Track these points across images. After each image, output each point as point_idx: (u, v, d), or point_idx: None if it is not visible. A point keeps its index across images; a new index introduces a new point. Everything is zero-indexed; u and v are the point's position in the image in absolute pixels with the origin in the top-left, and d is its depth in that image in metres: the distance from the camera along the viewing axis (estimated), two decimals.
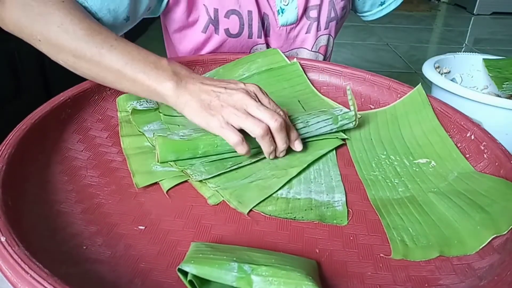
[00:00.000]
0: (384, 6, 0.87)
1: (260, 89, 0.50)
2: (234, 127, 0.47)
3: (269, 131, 0.47)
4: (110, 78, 0.52)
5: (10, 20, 0.55)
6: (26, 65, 1.71)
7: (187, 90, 0.48)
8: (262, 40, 0.75)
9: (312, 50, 0.80)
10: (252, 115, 0.47)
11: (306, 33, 0.78)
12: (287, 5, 0.73)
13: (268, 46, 0.77)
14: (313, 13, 0.76)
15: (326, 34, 0.80)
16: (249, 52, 0.77)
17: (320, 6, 0.76)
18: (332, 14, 0.78)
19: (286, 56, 0.71)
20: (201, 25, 0.72)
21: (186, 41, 0.77)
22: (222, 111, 0.47)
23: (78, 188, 0.44)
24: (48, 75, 1.89)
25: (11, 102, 1.61)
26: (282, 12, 0.74)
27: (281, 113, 0.49)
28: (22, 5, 0.53)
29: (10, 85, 1.63)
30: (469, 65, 1.03)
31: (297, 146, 0.51)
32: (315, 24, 0.77)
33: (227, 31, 0.72)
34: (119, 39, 0.51)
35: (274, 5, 0.73)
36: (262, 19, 0.73)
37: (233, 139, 0.46)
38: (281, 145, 0.49)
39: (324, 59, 0.85)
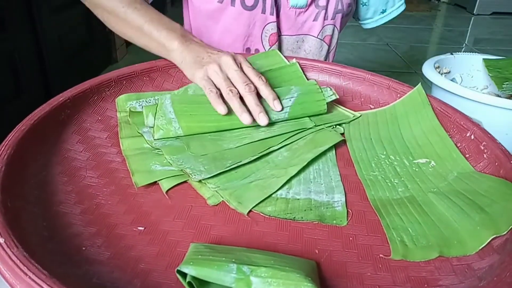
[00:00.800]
0: (385, 14, 0.91)
1: (246, 60, 0.59)
2: (213, 83, 0.55)
3: (235, 94, 0.54)
4: (132, 33, 0.64)
5: None
6: (26, 65, 1.71)
7: (188, 48, 0.59)
8: (273, 18, 0.79)
9: (318, 37, 0.84)
10: (229, 78, 0.56)
11: (313, 20, 0.82)
12: None
13: (278, 26, 0.81)
14: (321, 2, 0.81)
15: (331, 25, 0.84)
16: (261, 33, 0.81)
17: None
18: (339, 7, 0.82)
19: (285, 57, 0.71)
20: None
21: (202, 11, 0.82)
22: (208, 66, 0.56)
23: (77, 188, 0.44)
24: (48, 75, 1.89)
25: (11, 102, 1.61)
26: None
27: (256, 79, 0.56)
28: None
29: (10, 85, 1.64)
30: (469, 65, 1.03)
31: (276, 105, 0.56)
32: (322, 12, 0.81)
33: (243, 3, 0.78)
34: (143, 3, 0.64)
35: None
36: None
37: (209, 91, 0.54)
38: (252, 106, 0.54)
39: (328, 50, 0.88)
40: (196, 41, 0.61)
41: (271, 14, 0.79)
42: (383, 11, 0.91)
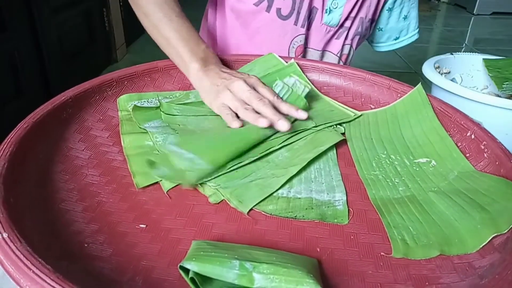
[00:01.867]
0: (398, 40, 0.95)
1: (259, 80, 0.59)
2: (230, 108, 0.56)
3: (249, 109, 0.55)
4: (161, 42, 0.66)
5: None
6: (26, 65, 1.71)
7: (206, 74, 0.60)
8: (303, 30, 0.81)
9: (337, 54, 0.87)
10: (243, 100, 0.56)
11: (336, 38, 0.85)
12: (335, 8, 0.80)
13: (306, 39, 0.83)
14: (347, 23, 0.83)
15: (348, 45, 0.87)
16: (289, 44, 0.83)
17: (354, 19, 0.83)
18: (359, 30, 0.85)
19: (282, 58, 0.71)
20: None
21: (234, 12, 0.83)
22: (222, 95, 0.57)
23: (79, 186, 0.45)
24: (48, 75, 1.89)
25: (11, 102, 1.61)
26: (329, 12, 0.80)
27: (272, 97, 0.57)
28: None
29: (10, 85, 1.64)
30: (469, 65, 1.03)
31: (301, 114, 0.56)
32: (345, 33, 0.84)
33: (278, 11, 0.79)
34: (179, 16, 0.65)
35: (326, 3, 0.80)
36: (310, 11, 0.80)
37: (225, 114, 0.55)
38: (270, 115, 0.54)
39: None
40: (214, 65, 0.61)
41: (302, 26, 0.81)
42: (396, 38, 0.95)
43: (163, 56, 0.67)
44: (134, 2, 0.69)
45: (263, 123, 0.52)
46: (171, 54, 0.65)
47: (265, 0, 0.78)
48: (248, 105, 0.55)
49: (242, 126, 0.54)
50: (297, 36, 0.82)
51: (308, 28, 0.82)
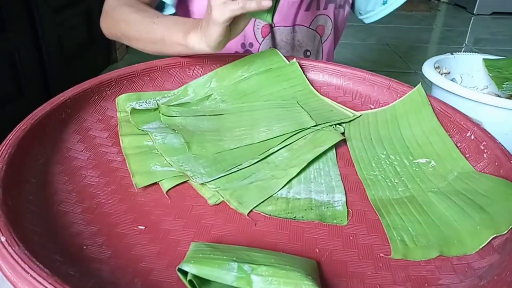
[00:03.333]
0: (387, 5, 0.87)
1: None
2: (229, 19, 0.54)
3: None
4: (161, 47, 0.65)
5: (104, 29, 0.75)
6: (26, 65, 1.71)
7: (197, 33, 0.59)
8: None
9: (310, 27, 0.84)
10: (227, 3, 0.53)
11: (305, 10, 0.82)
12: None
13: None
14: None
15: (324, 15, 0.83)
16: (253, 26, 0.81)
17: None
18: None
19: (284, 56, 0.71)
20: None
21: (190, 10, 0.82)
22: (212, 18, 0.54)
23: (78, 188, 0.44)
24: (48, 75, 1.89)
25: (11, 102, 1.61)
26: None
27: None
28: (104, 16, 0.73)
29: (10, 85, 1.64)
30: (469, 65, 1.03)
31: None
32: (314, 2, 0.81)
33: None
34: (159, 17, 0.66)
35: None
36: None
37: (238, 9, 0.53)
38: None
39: (321, 40, 0.87)
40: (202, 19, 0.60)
41: None
42: (385, 2, 0.88)
43: (162, 56, 0.67)
44: (127, 38, 0.69)
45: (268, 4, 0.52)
46: (174, 49, 0.64)
47: None
48: None
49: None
50: None
51: None
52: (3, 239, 0.31)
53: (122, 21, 0.68)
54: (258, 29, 0.81)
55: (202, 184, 0.46)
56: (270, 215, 0.43)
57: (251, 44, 0.83)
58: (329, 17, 0.84)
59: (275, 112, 0.61)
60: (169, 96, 0.63)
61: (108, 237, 0.39)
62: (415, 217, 0.43)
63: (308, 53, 0.87)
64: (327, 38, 0.89)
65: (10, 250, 0.30)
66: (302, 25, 0.84)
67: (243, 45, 0.83)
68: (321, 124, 0.58)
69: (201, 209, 0.43)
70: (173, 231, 0.40)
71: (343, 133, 0.58)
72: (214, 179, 0.47)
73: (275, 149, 0.53)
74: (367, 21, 0.94)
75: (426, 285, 0.36)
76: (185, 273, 0.32)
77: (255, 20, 0.80)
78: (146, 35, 0.65)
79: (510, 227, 0.39)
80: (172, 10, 0.78)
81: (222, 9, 0.54)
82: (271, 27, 0.82)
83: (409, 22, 3.64)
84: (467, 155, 0.52)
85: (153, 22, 0.65)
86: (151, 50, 0.68)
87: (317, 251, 0.39)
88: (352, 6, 0.93)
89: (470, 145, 0.53)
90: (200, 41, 0.58)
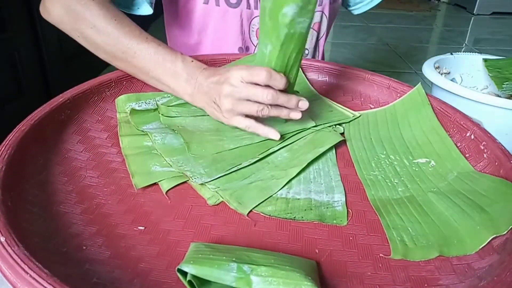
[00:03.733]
0: None
1: (245, 69, 0.51)
2: (239, 114, 0.52)
3: (275, 92, 0.51)
4: (141, 77, 0.61)
5: (54, 16, 0.61)
6: (26, 65, 1.71)
7: (200, 92, 0.55)
8: (258, 11, 0.78)
9: None
10: (243, 100, 0.51)
11: None
12: None
13: None
14: None
15: (319, 11, 0.82)
16: (249, 27, 0.80)
17: None
18: None
19: None
20: None
21: (189, 17, 0.79)
22: (222, 106, 0.52)
23: (77, 188, 0.44)
24: (48, 75, 1.89)
25: (11, 102, 1.61)
26: None
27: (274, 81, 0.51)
28: (62, 4, 0.59)
29: (10, 85, 1.64)
30: (469, 65, 1.03)
31: (302, 105, 0.53)
32: None
33: (227, 1, 0.76)
34: (141, 43, 0.57)
35: None
36: None
37: (243, 124, 0.53)
38: (287, 103, 0.52)
39: (318, 37, 0.86)
40: (200, 75, 0.56)
41: (256, 8, 0.78)
42: None
43: None
44: (91, 45, 0.60)
45: (276, 136, 0.53)
46: (157, 85, 0.60)
47: None
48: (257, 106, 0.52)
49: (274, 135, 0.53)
50: (254, 18, 0.79)
51: None
52: (2, 239, 0.31)
53: (89, 25, 0.58)
54: (253, 31, 0.81)
55: (201, 184, 0.46)
56: (269, 215, 0.43)
57: (247, 48, 0.83)
58: (324, 13, 0.84)
59: None
60: (169, 97, 0.63)
61: (108, 237, 0.39)
62: (415, 217, 0.43)
63: (306, 51, 0.87)
64: (323, 34, 0.88)
65: (10, 251, 0.30)
66: None
67: (240, 49, 0.83)
68: (321, 124, 0.58)
69: (200, 209, 0.43)
70: (173, 232, 0.40)
71: (342, 133, 0.58)
72: (213, 179, 0.47)
73: (275, 149, 0.53)
74: (355, 12, 0.94)
75: (425, 285, 0.36)
76: (184, 274, 0.32)
77: (250, 23, 0.79)
78: (121, 59, 0.59)
79: (510, 227, 0.39)
80: (149, 11, 0.71)
81: (234, 115, 0.53)
82: None
83: (409, 22, 3.64)
84: (467, 155, 0.52)
85: (133, 50, 0.57)
86: (122, 69, 0.62)
87: (317, 251, 0.39)
88: None
89: (470, 145, 0.53)
90: (196, 102, 0.57)
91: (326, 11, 0.83)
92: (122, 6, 0.68)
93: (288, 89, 0.54)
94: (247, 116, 0.53)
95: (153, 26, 2.52)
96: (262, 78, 0.50)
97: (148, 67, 0.58)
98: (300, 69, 0.69)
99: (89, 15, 0.58)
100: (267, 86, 0.51)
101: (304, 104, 0.53)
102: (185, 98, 0.58)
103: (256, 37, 0.81)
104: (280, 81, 0.50)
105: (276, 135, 0.53)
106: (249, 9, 0.78)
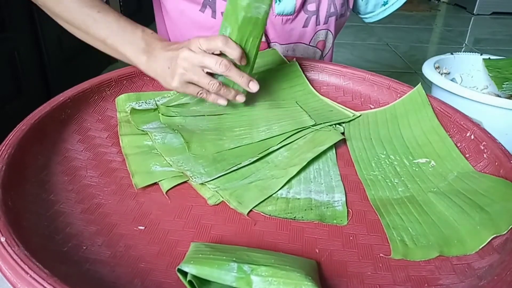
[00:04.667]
0: (387, 6, 0.86)
1: (201, 39, 0.53)
2: (191, 82, 0.54)
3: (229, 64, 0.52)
4: (98, 46, 0.61)
5: None
6: (26, 65, 1.71)
7: (155, 60, 0.56)
8: None
9: (310, 44, 0.80)
10: (196, 67, 0.53)
11: (303, 27, 0.77)
12: None
13: (266, 35, 0.76)
14: (311, 7, 0.76)
15: (324, 29, 0.79)
16: None
17: (319, 0, 0.76)
18: (332, 9, 0.77)
19: (284, 56, 0.71)
20: (198, 2, 0.72)
21: (183, 21, 0.77)
22: (175, 73, 0.54)
23: (78, 188, 0.44)
24: (48, 75, 1.89)
25: (11, 102, 1.61)
26: (280, 1, 0.73)
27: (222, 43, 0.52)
28: None
29: (10, 85, 1.64)
30: (469, 65, 1.03)
31: (252, 87, 0.55)
32: (313, 18, 0.77)
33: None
34: (102, 11, 0.58)
35: None
36: None
37: (194, 94, 0.55)
38: (239, 80, 0.54)
39: (322, 55, 0.84)
40: (159, 45, 0.57)
41: None
42: (385, 3, 0.86)
43: None
44: (52, 14, 0.61)
45: (224, 102, 0.55)
46: (114, 54, 0.60)
47: (208, 6, 0.72)
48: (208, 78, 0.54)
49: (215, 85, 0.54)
50: None
51: None
52: (2, 239, 0.31)
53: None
54: None
55: (201, 184, 0.46)
56: (270, 215, 0.43)
57: None
58: (329, 30, 0.81)
59: (275, 111, 0.61)
60: (169, 97, 0.63)
61: (108, 237, 0.39)
62: (415, 217, 0.43)
63: None
64: (328, 51, 0.86)
65: (10, 251, 0.30)
66: (301, 43, 0.80)
67: None
68: (321, 124, 0.58)
69: (200, 209, 0.43)
70: (173, 231, 0.40)
71: (343, 133, 0.58)
72: (213, 179, 0.47)
73: (275, 148, 0.53)
74: (366, 21, 0.92)
75: (426, 285, 0.36)
76: (184, 274, 0.32)
77: None
78: (79, 27, 0.59)
79: (510, 227, 0.39)
80: None
81: (185, 81, 0.54)
82: (268, 44, 0.78)
83: (409, 22, 3.64)
84: (467, 155, 0.52)
85: (93, 17, 0.58)
86: (83, 39, 0.62)
87: (317, 251, 0.39)
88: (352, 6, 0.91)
89: (470, 145, 0.53)
90: (149, 70, 0.57)
91: (332, 28, 0.81)
92: None
93: (246, 72, 0.56)
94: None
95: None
96: (218, 42, 0.52)
97: (106, 34, 0.58)
98: (300, 68, 0.69)
99: None
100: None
101: (254, 85, 0.55)
102: (140, 66, 0.58)
103: None
104: (235, 49, 0.52)
105: (223, 102, 0.56)
106: None
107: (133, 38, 0.57)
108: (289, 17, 0.75)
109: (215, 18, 0.73)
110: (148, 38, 0.57)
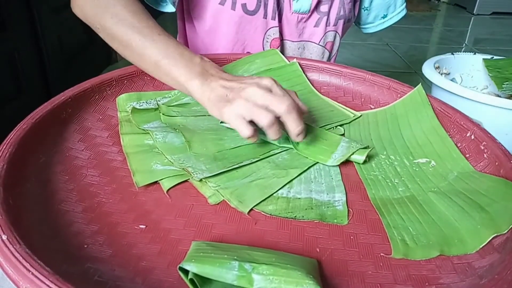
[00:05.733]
0: (386, 19, 0.90)
1: (275, 81, 0.51)
2: (245, 119, 0.48)
3: (275, 120, 0.48)
4: (149, 68, 0.58)
5: (78, 6, 0.62)
6: (26, 65, 1.71)
7: (210, 87, 0.51)
8: (275, 22, 0.77)
9: (320, 44, 0.83)
10: (260, 106, 0.48)
11: (314, 26, 0.80)
12: None
13: (280, 31, 0.79)
14: (324, 8, 0.79)
15: (333, 31, 0.82)
16: (263, 38, 0.79)
17: (331, 2, 0.79)
18: (341, 12, 0.80)
19: (285, 56, 0.71)
20: None
21: (202, 14, 0.79)
22: (234, 103, 0.48)
23: (78, 187, 0.44)
24: (48, 75, 1.89)
25: (11, 102, 1.61)
26: None
27: (291, 96, 0.50)
28: None
29: (10, 85, 1.64)
30: (469, 65, 1.03)
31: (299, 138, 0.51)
32: (324, 18, 0.80)
33: (244, 6, 0.75)
34: (162, 34, 0.57)
35: None
36: (278, 1, 0.76)
37: (244, 132, 0.48)
38: (294, 128, 0.49)
39: (329, 56, 0.87)
40: (218, 75, 0.53)
41: (273, 19, 0.77)
42: (384, 16, 0.90)
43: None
44: (108, 36, 0.59)
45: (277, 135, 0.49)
46: (164, 78, 0.57)
47: None
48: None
49: (256, 140, 0.50)
50: (270, 29, 0.78)
51: (280, 20, 0.78)
52: (4, 237, 0.31)
53: (110, 14, 0.58)
54: (267, 42, 0.79)
55: (202, 181, 0.46)
56: (270, 214, 0.43)
57: None
58: (337, 33, 0.83)
59: None
60: (170, 97, 0.63)
61: (109, 236, 0.39)
62: (416, 217, 0.43)
63: None
64: (335, 53, 0.88)
65: (12, 249, 0.30)
66: (312, 42, 0.83)
67: (248, 54, 0.82)
68: (322, 126, 0.58)
69: (201, 208, 0.43)
70: (174, 230, 0.40)
71: (343, 134, 0.58)
72: (215, 174, 0.47)
73: (276, 151, 0.53)
74: (364, 31, 0.96)
75: (426, 284, 0.36)
76: (186, 272, 0.32)
77: (266, 32, 0.78)
78: (136, 47, 0.56)
79: (511, 226, 0.39)
80: (172, 9, 0.71)
81: (232, 118, 0.48)
82: (281, 40, 0.81)
83: (409, 22, 3.64)
84: (467, 155, 0.52)
85: (152, 38, 0.56)
86: (133, 62, 0.60)
87: (318, 250, 0.39)
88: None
89: (470, 145, 0.53)
90: (202, 96, 0.52)
91: (340, 31, 0.84)
92: (150, 1, 0.68)
93: None
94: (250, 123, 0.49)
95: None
96: (291, 108, 0.48)
97: (162, 55, 0.55)
98: (300, 68, 0.69)
99: (111, 3, 0.58)
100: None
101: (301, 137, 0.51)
102: (193, 90, 0.53)
103: (270, 47, 0.80)
104: (300, 124, 0.49)
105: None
106: (265, 18, 0.77)
107: (191, 61, 0.54)
108: (304, 15, 0.78)
109: (234, 10, 0.75)
110: (206, 65, 0.55)
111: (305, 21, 0.79)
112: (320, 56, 0.85)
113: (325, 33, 0.82)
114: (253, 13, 0.76)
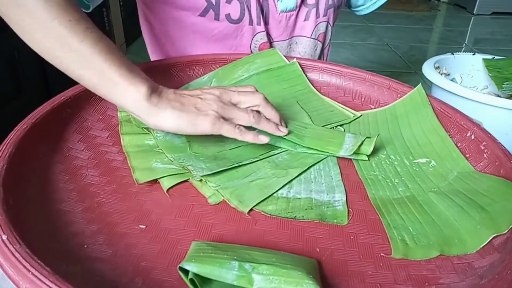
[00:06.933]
0: None
1: (226, 88, 0.51)
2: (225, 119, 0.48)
3: (260, 115, 0.50)
4: (71, 59, 0.46)
5: None
6: (26, 65, 1.71)
7: (163, 97, 0.47)
8: (261, 27, 0.75)
9: (312, 37, 0.81)
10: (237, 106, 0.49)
11: (304, 20, 0.78)
12: None
13: (268, 34, 0.77)
14: (310, 0, 0.77)
15: (324, 22, 0.81)
16: (250, 44, 0.77)
17: None
18: (330, 1, 0.79)
19: (285, 56, 0.71)
20: (198, 8, 0.71)
21: (181, 28, 0.75)
22: (212, 107, 0.47)
23: (78, 187, 0.44)
24: (48, 75, 1.89)
25: (11, 102, 1.61)
26: None
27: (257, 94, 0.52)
28: None
29: (10, 85, 1.64)
30: (469, 65, 1.03)
31: (282, 130, 0.52)
32: (313, 10, 0.78)
33: (228, 17, 0.72)
34: (93, 27, 0.47)
35: None
36: (261, 6, 0.74)
37: (233, 133, 0.48)
38: (277, 116, 0.52)
39: (322, 47, 0.85)
40: (166, 89, 0.49)
41: (258, 24, 0.74)
42: None
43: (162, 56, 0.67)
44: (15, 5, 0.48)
45: (265, 140, 0.49)
46: (89, 75, 0.46)
47: (211, 10, 0.70)
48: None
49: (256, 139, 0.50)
50: (256, 34, 0.75)
51: (267, 23, 0.75)
52: (4, 237, 0.31)
53: (18, 4, 0.47)
54: (255, 47, 0.77)
55: (202, 181, 0.46)
56: (270, 214, 0.43)
57: None
58: (329, 23, 0.82)
59: None
60: None
61: (109, 236, 0.39)
62: (416, 217, 0.43)
63: None
64: (328, 44, 0.87)
65: (12, 249, 0.30)
66: (303, 36, 0.80)
67: None
68: (322, 126, 0.58)
69: (201, 208, 0.43)
70: (174, 230, 0.40)
71: None
72: (214, 174, 0.47)
73: (276, 152, 0.53)
74: (357, 14, 0.94)
75: (426, 284, 0.36)
76: (186, 272, 0.32)
77: (253, 37, 0.76)
78: (65, 31, 0.45)
79: (511, 226, 0.39)
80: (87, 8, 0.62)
81: (214, 118, 0.46)
82: (270, 43, 0.78)
83: (409, 22, 3.64)
84: (467, 155, 0.52)
85: (80, 39, 0.45)
86: (56, 63, 0.47)
87: (318, 250, 0.39)
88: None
89: (470, 145, 0.53)
90: (149, 113, 0.46)
91: (331, 20, 0.82)
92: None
93: None
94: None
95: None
96: (256, 99, 0.51)
97: (97, 50, 0.45)
98: (300, 68, 0.69)
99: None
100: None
101: (283, 129, 0.52)
102: (132, 93, 0.45)
103: (259, 51, 0.77)
104: (275, 112, 0.52)
105: (266, 139, 0.50)
106: (251, 25, 0.74)
107: (132, 66, 0.48)
108: (292, 12, 0.76)
109: (218, 20, 0.72)
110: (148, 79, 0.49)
111: (294, 18, 0.77)
112: (313, 49, 0.83)
113: (316, 25, 0.80)
114: (238, 21, 0.73)
